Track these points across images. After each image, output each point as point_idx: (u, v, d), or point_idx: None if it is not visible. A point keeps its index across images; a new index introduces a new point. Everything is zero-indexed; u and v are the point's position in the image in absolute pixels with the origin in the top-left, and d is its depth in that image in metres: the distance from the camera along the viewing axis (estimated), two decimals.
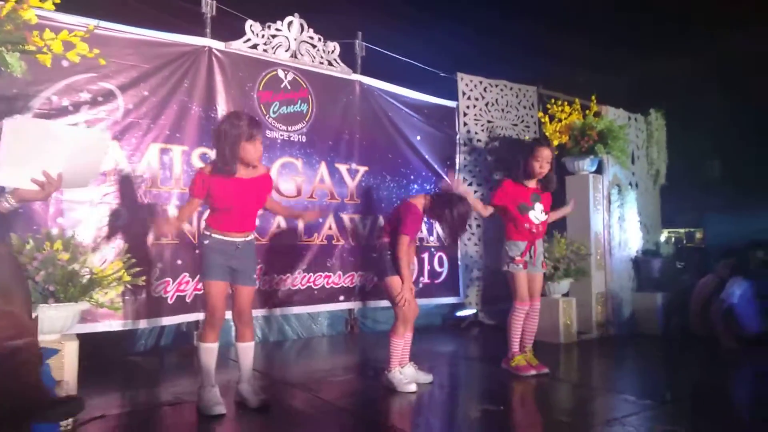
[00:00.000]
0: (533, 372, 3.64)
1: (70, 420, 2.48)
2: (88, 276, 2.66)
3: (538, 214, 3.72)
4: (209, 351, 2.79)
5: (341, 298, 5.13)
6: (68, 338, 2.63)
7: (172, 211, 4.16)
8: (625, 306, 5.48)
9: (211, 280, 2.76)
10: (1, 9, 2.50)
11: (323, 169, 5.08)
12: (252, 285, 2.93)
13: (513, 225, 3.75)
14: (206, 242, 2.80)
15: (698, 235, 8.21)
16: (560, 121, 5.29)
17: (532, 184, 3.79)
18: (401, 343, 3.29)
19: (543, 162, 3.69)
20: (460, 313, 5.93)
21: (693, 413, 2.86)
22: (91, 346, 3.74)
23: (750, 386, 3.84)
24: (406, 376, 3.28)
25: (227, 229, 2.81)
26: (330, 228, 5.10)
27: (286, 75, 4.90)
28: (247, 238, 2.89)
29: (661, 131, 6.09)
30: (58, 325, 2.56)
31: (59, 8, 2.82)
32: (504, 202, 3.76)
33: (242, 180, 2.81)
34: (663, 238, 7.13)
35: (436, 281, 5.74)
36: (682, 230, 8.89)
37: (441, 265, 5.82)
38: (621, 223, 5.54)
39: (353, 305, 5.26)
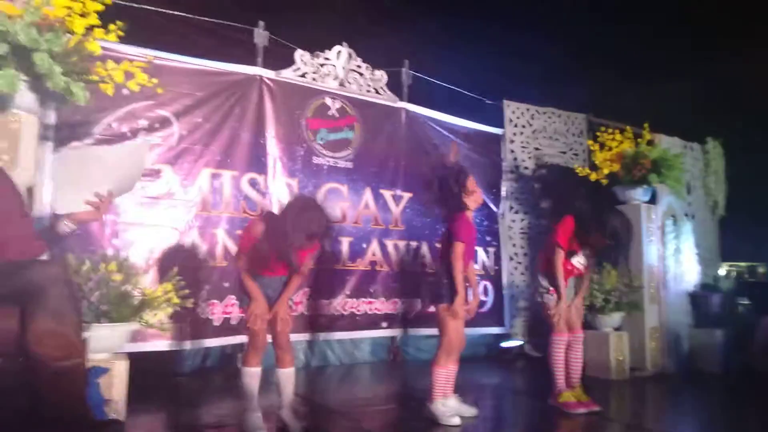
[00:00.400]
0: (582, 410, 3.48)
1: None
2: (140, 297, 2.73)
3: (580, 259, 3.63)
4: (252, 375, 2.79)
5: (384, 324, 5.08)
6: (119, 357, 2.69)
7: (221, 235, 4.26)
8: (681, 342, 5.20)
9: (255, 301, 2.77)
10: (69, 41, 2.65)
11: (368, 194, 5.11)
12: (289, 308, 2.94)
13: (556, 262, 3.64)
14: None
15: (761, 270, 7.76)
16: (611, 149, 5.15)
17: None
18: (444, 373, 3.21)
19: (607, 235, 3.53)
20: (505, 344, 5.77)
21: None
22: (139, 365, 3.84)
23: None
24: (450, 408, 3.19)
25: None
26: (374, 254, 5.09)
27: (333, 102, 4.99)
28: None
29: (719, 160, 5.85)
30: (109, 345, 2.63)
31: (121, 39, 2.97)
32: (567, 244, 3.62)
33: None
34: (723, 272, 6.79)
35: (480, 310, 5.58)
36: (743, 264, 8.43)
37: (486, 294, 5.71)
38: (677, 256, 5.31)
39: (396, 332, 5.20)
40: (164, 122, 4.11)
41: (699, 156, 5.83)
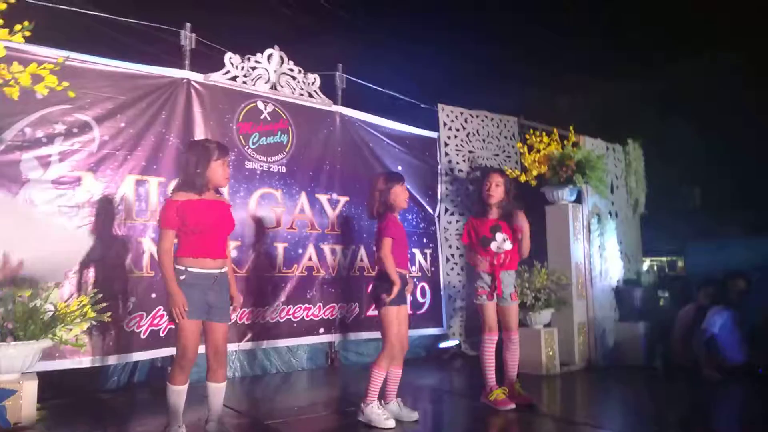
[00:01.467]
0: (512, 406, 3.57)
1: None
2: (51, 312, 2.58)
3: (500, 244, 3.69)
4: (178, 393, 2.70)
5: (321, 330, 5.04)
6: (28, 377, 2.54)
7: (147, 244, 4.11)
8: (608, 336, 5.43)
9: (188, 319, 2.66)
10: None
11: (303, 199, 5.06)
12: (227, 321, 2.86)
13: (477, 256, 3.76)
14: (182, 277, 2.70)
15: (680, 264, 8.24)
16: (539, 151, 5.33)
17: (493, 215, 3.77)
18: (383, 376, 3.22)
19: (491, 185, 3.72)
20: (443, 345, 5.85)
21: None
22: (59, 383, 3.64)
23: (732, 417, 3.79)
24: (386, 411, 3.20)
25: (203, 254, 2.74)
26: (310, 259, 5.04)
27: (266, 106, 4.91)
28: (223, 269, 2.84)
29: (639, 161, 6.16)
30: (17, 365, 2.47)
31: (31, 40, 2.81)
32: (467, 239, 3.83)
33: (213, 201, 2.82)
34: (645, 267, 7.15)
35: (418, 312, 5.67)
36: (664, 259, 8.92)
37: (423, 295, 5.77)
38: (602, 252, 5.54)
39: (334, 338, 5.17)
40: (83, 127, 3.92)
41: (621, 156, 6.11)
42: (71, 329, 2.70)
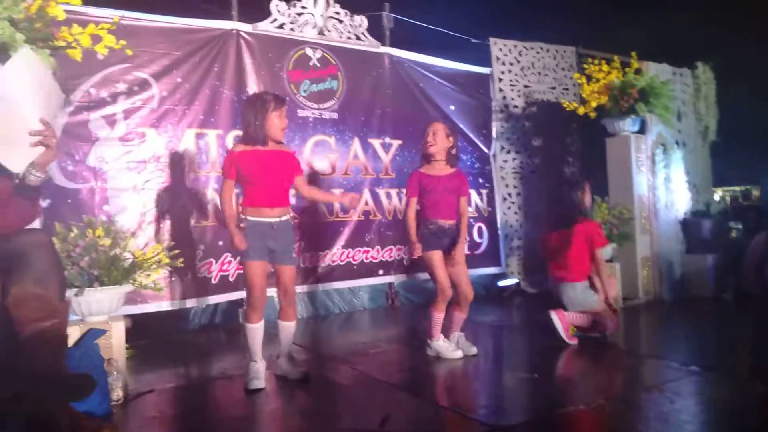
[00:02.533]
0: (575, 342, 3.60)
1: (121, 394, 2.64)
2: (130, 260, 2.78)
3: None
4: (254, 331, 2.87)
5: (380, 272, 5.17)
6: (115, 319, 2.78)
7: (210, 194, 4.29)
8: (674, 269, 5.29)
9: (250, 260, 2.81)
10: (30, 7, 2.59)
11: (356, 144, 5.09)
12: (292, 264, 2.98)
13: None
14: (242, 225, 2.87)
15: (755, 193, 7.76)
16: (598, 81, 5.08)
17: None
18: (440, 317, 3.32)
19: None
20: (501, 283, 5.88)
21: (739, 380, 2.76)
22: (145, 325, 3.97)
23: None
24: (452, 344, 3.34)
25: (260, 204, 2.85)
26: (366, 203, 5.12)
27: (314, 52, 4.90)
28: (282, 218, 2.92)
29: (709, 85, 5.76)
30: (105, 307, 2.70)
31: (85, 2, 2.90)
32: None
33: (267, 151, 2.89)
34: (717, 197, 6.80)
35: (476, 252, 5.70)
36: (737, 188, 8.43)
37: (480, 235, 5.77)
38: (667, 184, 5.32)
39: (393, 279, 5.30)
40: (143, 84, 4.06)
41: (689, 82, 5.73)
42: (149, 275, 2.91)
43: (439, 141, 3.34)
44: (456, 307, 3.35)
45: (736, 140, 6.61)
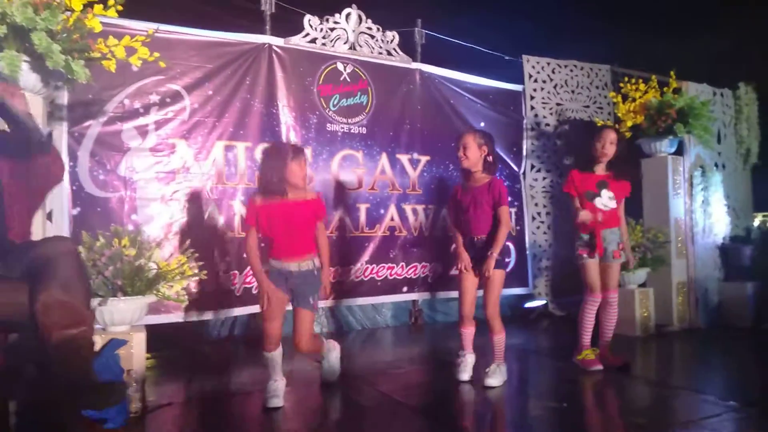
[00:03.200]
0: (599, 367, 3.47)
1: (140, 406, 2.62)
2: (154, 270, 2.78)
3: (605, 201, 3.52)
4: (270, 359, 2.86)
5: (405, 289, 5.10)
6: (137, 329, 2.77)
7: (237, 206, 4.31)
8: (710, 296, 5.07)
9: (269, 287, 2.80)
10: (68, 19, 2.65)
11: (384, 159, 5.06)
12: (309, 309, 2.88)
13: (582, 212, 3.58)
14: (265, 269, 2.87)
15: None
16: (634, 100, 4.95)
17: (600, 170, 3.60)
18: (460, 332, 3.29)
19: (606, 143, 3.51)
20: (529, 305, 5.74)
21: None
22: (166, 336, 3.98)
23: None
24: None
25: (277, 255, 2.86)
26: (392, 219, 5.07)
27: (345, 67, 4.91)
28: (303, 265, 2.85)
29: (752, 106, 5.55)
30: (127, 317, 2.70)
31: (122, 14, 2.95)
32: (570, 191, 3.62)
33: (288, 203, 2.83)
34: (756, 222, 6.54)
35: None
36: None
37: (508, 254, 5.65)
38: (705, 208, 5.12)
39: (417, 296, 5.22)
40: (175, 96, 4.12)
41: (730, 102, 5.54)
42: (172, 286, 2.90)
43: (471, 154, 3.21)
44: (464, 324, 3.29)
45: None
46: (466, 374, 3.26)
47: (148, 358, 2.93)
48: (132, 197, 3.89)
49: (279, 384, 2.84)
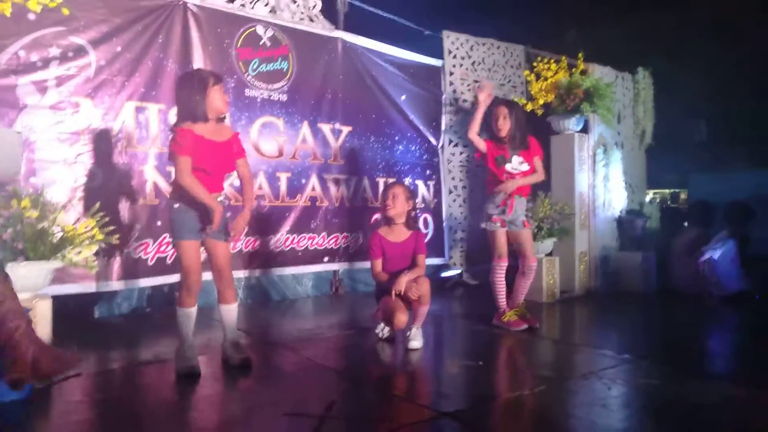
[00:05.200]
0: (525, 326, 3.70)
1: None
2: (59, 234, 2.59)
3: (516, 165, 3.70)
4: (187, 315, 2.74)
5: (326, 259, 5.11)
6: (41, 298, 2.58)
7: (150, 172, 4.09)
8: (608, 264, 5.51)
9: (183, 240, 2.68)
10: None
11: (306, 128, 4.99)
12: (225, 240, 2.84)
13: (492, 177, 3.75)
14: (176, 205, 2.71)
15: (683, 196, 8.24)
16: (546, 79, 5.20)
17: (506, 143, 3.77)
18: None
19: (499, 118, 3.69)
20: (444, 274, 5.95)
21: (668, 366, 2.90)
22: (71, 307, 3.73)
23: (722, 340, 3.91)
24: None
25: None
26: (313, 189, 5.04)
27: (265, 31, 4.75)
28: (218, 200, 2.81)
29: (648, 90, 6.02)
30: (29, 284, 2.51)
31: None
32: (484, 157, 3.78)
33: (220, 143, 2.75)
34: (648, 198, 7.15)
35: None
36: (667, 191, 8.92)
37: (426, 226, 5.81)
38: (606, 183, 5.53)
39: (338, 266, 5.25)
40: (79, 51, 3.80)
41: (630, 86, 5.97)
42: (80, 252, 2.72)
43: (398, 205, 3.38)
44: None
45: (668, 146, 6.96)
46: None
47: (53, 330, 2.73)
48: (30, 158, 3.57)
49: (193, 350, 2.75)
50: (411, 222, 3.47)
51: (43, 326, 2.53)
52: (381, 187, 5.43)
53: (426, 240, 5.70)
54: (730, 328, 4.20)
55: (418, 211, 3.47)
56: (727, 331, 4.12)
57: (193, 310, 2.77)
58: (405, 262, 3.42)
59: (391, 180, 5.44)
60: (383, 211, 3.42)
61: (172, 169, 2.89)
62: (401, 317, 3.21)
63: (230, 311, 2.90)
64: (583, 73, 5.20)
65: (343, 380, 2.75)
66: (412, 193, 3.51)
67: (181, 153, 2.64)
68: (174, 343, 2.81)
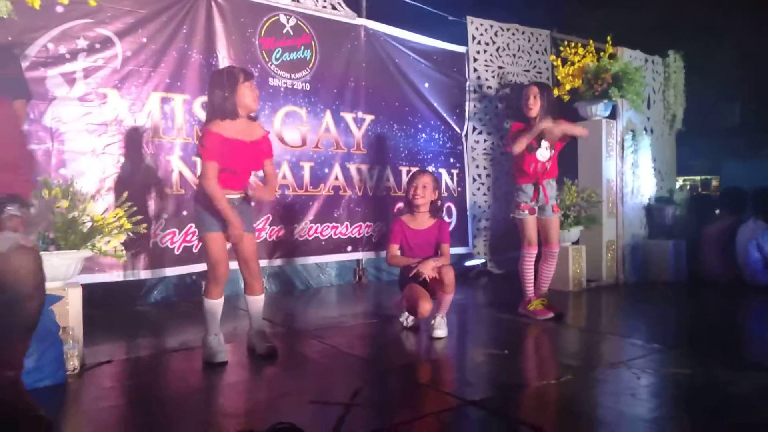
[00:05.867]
0: (551, 314, 3.67)
1: (77, 364, 2.52)
2: (89, 224, 2.64)
3: (543, 152, 3.66)
4: (214, 306, 2.77)
5: (349, 248, 5.12)
6: (72, 286, 2.64)
7: (175, 162, 4.13)
8: (636, 253, 5.40)
9: (210, 232, 2.70)
10: None
11: (328, 117, 4.98)
12: (251, 232, 2.88)
13: (519, 167, 3.69)
14: (202, 198, 2.74)
15: (714, 183, 8.01)
16: (573, 64, 5.09)
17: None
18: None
19: (530, 97, 3.65)
20: (468, 263, 5.91)
21: (699, 356, 2.83)
22: (101, 295, 3.82)
23: (753, 329, 3.80)
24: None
25: (224, 187, 2.73)
26: (336, 179, 5.04)
27: (288, 20, 4.74)
28: (242, 195, 2.85)
29: (679, 74, 5.84)
30: (60, 273, 2.56)
31: None
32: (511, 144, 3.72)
33: (248, 144, 2.77)
34: (678, 185, 6.97)
35: None
36: (698, 178, 8.68)
37: (450, 215, 5.77)
38: (634, 170, 5.40)
39: (361, 256, 5.25)
40: (105, 42, 3.85)
41: (660, 70, 5.81)
42: (109, 241, 2.77)
43: (427, 195, 3.37)
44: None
45: (699, 131, 6.76)
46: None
47: (84, 317, 2.79)
48: (60, 150, 3.64)
49: (220, 338, 2.79)
50: (435, 210, 3.45)
51: (74, 313, 2.58)
52: (404, 176, 5.41)
53: (450, 229, 5.72)
54: (761, 317, 4.09)
55: (442, 200, 3.43)
56: (758, 321, 4.01)
57: (220, 301, 2.80)
58: (428, 250, 3.40)
59: (414, 168, 5.40)
60: (412, 199, 3.39)
61: (198, 159, 2.91)
62: (426, 305, 3.19)
63: (257, 302, 2.92)
64: (612, 57, 5.07)
65: (367, 368, 2.76)
66: (438, 182, 3.49)
67: (208, 158, 2.65)
68: (201, 331, 2.85)
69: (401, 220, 3.44)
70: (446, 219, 5.69)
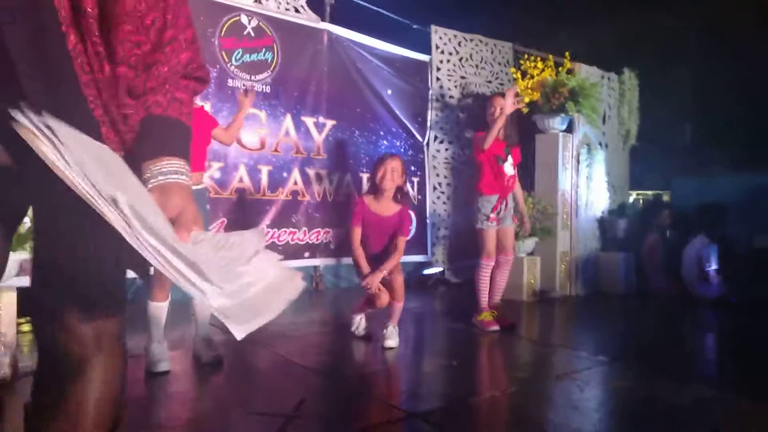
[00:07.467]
0: (495, 327, 3.68)
1: (8, 372, 2.40)
2: (27, 224, 2.52)
3: (508, 167, 3.72)
4: (157, 310, 2.68)
5: (306, 254, 5.06)
6: (7, 289, 2.51)
7: None
8: (588, 265, 5.53)
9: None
10: None
11: (288, 121, 4.93)
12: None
13: (488, 178, 3.71)
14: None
15: (665, 198, 8.29)
16: (532, 77, 5.18)
17: (501, 137, 3.75)
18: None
19: (497, 109, 3.67)
20: (426, 272, 5.93)
21: (642, 368, 2.90)
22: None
23: (696, 342, 3.93)
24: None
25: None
26: (295, 183, 4.98)
27: (249, 21, 4.68)
28: (198, 186, 2.77)
29: (633, 91, 6.02)
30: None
31: None
32: (481, 155, 3.74)
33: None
34: (631, 199, 7.17)
35: None
36: (650, 192, 8.96)
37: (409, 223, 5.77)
38: (589, 183, 5.53)
39: (319, 262, 5.20)
40: None
41: (615, 86, 5.98)
42: None
43: (396, 179, 3.25)
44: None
45: (652, 147, 6.99)
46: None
47: (20, 324, 2.67)
48: None
49: (163, 346, 2.70)
50: (400, 196, 3.33)
51: (9, 319, 2.46)
52: (365, 183, 5.39)
53: (409, 237, 5.73)
54: (703, 329, 4.23)
55: (408, 186, 3.40)
56: (702, 334, 4.15)
57: (165, 305, 2.71)
58: (384, 238, 3.28)
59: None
60: (379, 183, 3.23)
61: None
62: (383, 296, 3.18)
63: (204, 307, 2.84)
64: (570, 72, 5.19)
65: (315, 378, 2.72)
66: (405, 168, 3.38)
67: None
68: (145, 338, 2.76)
69: (364, 202, 3.32)
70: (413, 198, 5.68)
